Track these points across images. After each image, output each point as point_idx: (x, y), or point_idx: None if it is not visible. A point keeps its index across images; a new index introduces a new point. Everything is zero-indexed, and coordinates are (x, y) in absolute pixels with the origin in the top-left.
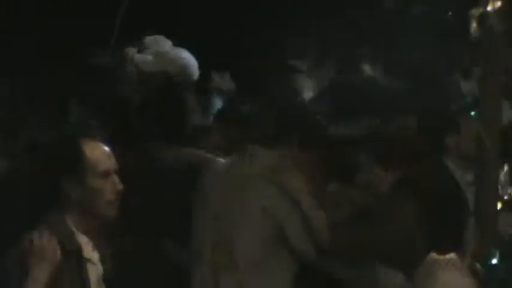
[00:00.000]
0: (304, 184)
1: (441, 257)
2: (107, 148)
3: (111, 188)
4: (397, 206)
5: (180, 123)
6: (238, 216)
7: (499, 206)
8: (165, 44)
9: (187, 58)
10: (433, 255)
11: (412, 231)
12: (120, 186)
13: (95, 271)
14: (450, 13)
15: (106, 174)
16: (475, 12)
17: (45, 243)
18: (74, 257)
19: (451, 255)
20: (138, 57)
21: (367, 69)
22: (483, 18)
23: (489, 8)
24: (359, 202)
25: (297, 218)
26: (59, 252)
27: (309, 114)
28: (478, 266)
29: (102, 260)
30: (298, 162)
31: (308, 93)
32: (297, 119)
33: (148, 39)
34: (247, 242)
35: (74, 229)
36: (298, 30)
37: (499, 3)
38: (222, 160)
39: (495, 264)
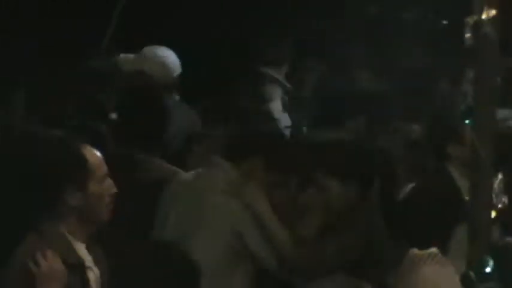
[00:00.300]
0: (265, 198)
1: (422, 252)
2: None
3: (107, 191)
4: (361, 218)
5: (156, 129)
6: (198, 226)
7: (493, 214)
8: (151, 47)
9: (166, 56)
10: (414, 250)
11: (376, 242)
12: (114, 189)
13: (93, 277)
14: (445, 21)
15: (103, 179)
16: (470, 20)
17: (52, 263)
18: (76, 269)
19: (432, 249)
20: (121, 56)
21: (357, 74)
22: (477, 26)
23: (484, 16)
24: (333, 208)
25: (256, 227)
26: (64, 270)
27: (277, 133)
28: (472, 274)
29: (96, 262)
30: (258, 176)
31: (279, 103)
32: (263, 139)
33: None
34: (205, 251)
35: (70, 239)
36: (274, 36)
37: (493, 12)
38: (185, 173)
39: (489, 273)
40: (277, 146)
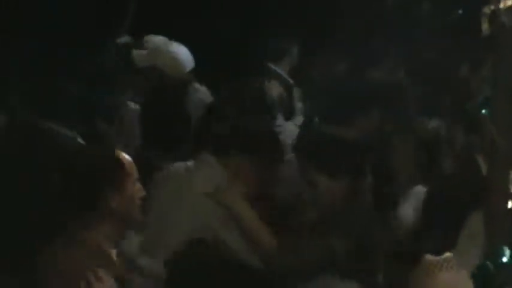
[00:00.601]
0: (244, 198)
1: (437, 258)
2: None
3: (139, 194)
4: (351, 216)
5: (171, 126)
6: (176, 222)
7: (510, 204)
8: (161, 40)
9: (178, 52)
10: (429, 256)
11: (366, 241)
12: (144, 192)
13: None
14: (460, 11)
15: (135, 181)
16: (487, 9)
17: (106, 283)
18: (118, 281)
19: (447, 254)
20: (135, 52)
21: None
22: (495, 15)
23: (501, 6)
24: (323, 205)
25: (234, 228)
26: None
27: (263, 129)
28: (489, 264)
29: None
30: (245, 173)
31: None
32: (249, 135)
33: (147, 38)
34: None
35: (107, 248)
36: (279, 30)
37: (510, 1)
38: (175, 165)
39: (506, 263)
40: (265, 142)
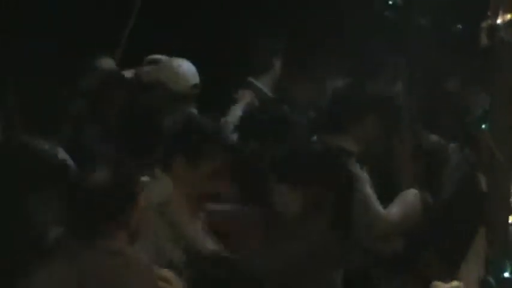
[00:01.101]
0: (189, 215)
1: (446, 285)
2: None
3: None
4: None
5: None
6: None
7: (511, 218)
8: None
9: (182, 66)
10: (437, 283)
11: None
12: None
13: None
14: (460, 26)
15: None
16: (485, 24)
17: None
18: None
19: (455, 283)
20: (141, 69)
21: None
22: (493, 30)
23: (499, 21)
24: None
25: (178, 242)
26: None
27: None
28: (491, 279)
29: None
30: (189, 183)
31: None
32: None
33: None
34: None
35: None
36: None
37: (508, 16)
38: None
39: (508, 278)
40: (198, 144)
